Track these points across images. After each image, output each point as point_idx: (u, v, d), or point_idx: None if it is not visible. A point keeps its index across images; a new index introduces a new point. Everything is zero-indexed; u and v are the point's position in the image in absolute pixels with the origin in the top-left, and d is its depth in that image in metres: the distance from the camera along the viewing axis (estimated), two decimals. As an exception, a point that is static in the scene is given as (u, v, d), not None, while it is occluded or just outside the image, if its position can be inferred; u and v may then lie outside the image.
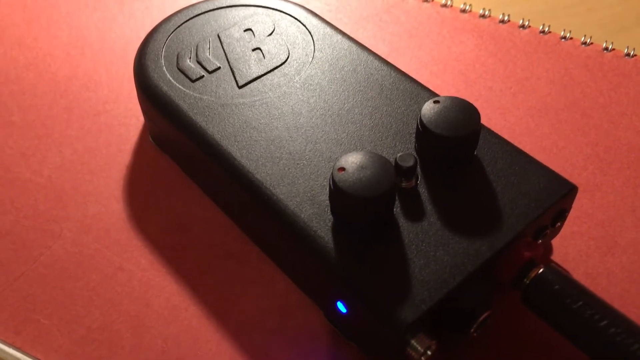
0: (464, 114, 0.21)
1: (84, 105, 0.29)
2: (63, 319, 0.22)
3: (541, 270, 0.20)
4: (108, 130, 0.28)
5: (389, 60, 0.26)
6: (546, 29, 0.33)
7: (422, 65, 0.31)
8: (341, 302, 0.20)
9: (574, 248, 0.24)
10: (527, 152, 0.22)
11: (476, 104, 0.29)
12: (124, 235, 0.24)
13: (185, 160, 0.26)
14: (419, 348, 0.18)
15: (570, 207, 0.22)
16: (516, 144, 0.27)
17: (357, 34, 0.33)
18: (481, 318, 0.19)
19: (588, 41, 0.32)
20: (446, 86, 0.30)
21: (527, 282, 0.20)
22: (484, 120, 0.22)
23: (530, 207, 0.20)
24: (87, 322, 0.21)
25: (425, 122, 0.21)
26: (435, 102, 0.22)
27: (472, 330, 0.19)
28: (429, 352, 0.18)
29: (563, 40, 0.32)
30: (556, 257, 0.23)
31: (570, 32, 0.32)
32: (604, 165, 0.26)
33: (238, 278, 0.23)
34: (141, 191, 0.26)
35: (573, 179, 0.22)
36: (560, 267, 0.23)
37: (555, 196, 0.21)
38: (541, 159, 0.22)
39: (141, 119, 0.28)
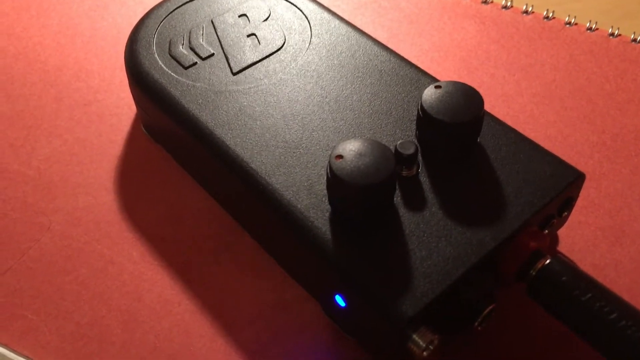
0: (466, 99, 0.20)
1: (74, 95, 0.28)
2: (51, 314, 0.21)
3: (548, 261, 0.19)
4: (99, 121, 0.27)
5: (388, 47, 0.25)
6: (550, 15, 0.32)
7: (423, 52, 0.30)
8: (340, 295, 0.19)
9: (581, 238, 0.23)
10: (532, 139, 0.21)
11: (479, 91, 0.28)
12: (115, 228, 0.23)
13: (178, 150, 0.25)
14: (421, 343, 0.17)
15: (577, 196, 0.21)
16: (520, 132, 0.26)
17: (356, 21, 0.32)
18: (485, 311, 0.18)
19: (593, 27, 0.31)
20: (447, 73, 0.29)
21: (533, 273, 0.19)
22: (487, 108, 0.21)
23: (536, 195, 0.20)
24: (76, 318, 0.21)
25: (426, 107, 0.20)
26: (436, 87, 0.21)
27: (476, 324, 0.18)
28: (431, 347, 0.17)
29: (568, 26, 0.31)
30: (562, 247, 0.23)
31: (575, 17, 0.31)
32: (610, 153, 0.26)
33: (233, 271, 0.22)
34: (133, 182, 0.25)
35: (579, 167, 0.21)
36: (567, 258, 0.22)
37: (562, 184, 0.20)
38: (546, 147, 0.21)
39: (133, 108, 0.27)
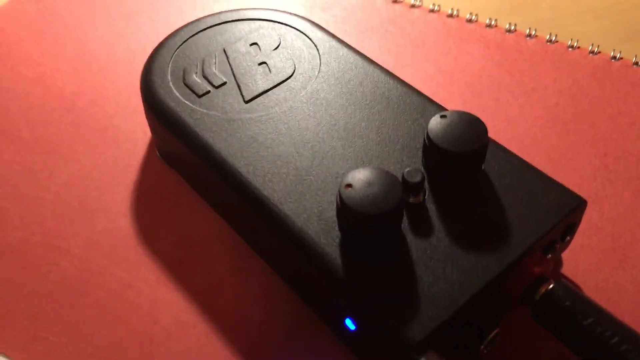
0: (471, 129, 0.21)
1: (91, 120, 0.29)
2: (72, 337, 0.22)
3: (551, 285, 0.19)
4: (115, 146, 0.28)
5: (394, 71, 0.26)
6: (553, 38, 0.32)
7: (428, 77, 0.31)
8: (350, 319, 0.20)
9: (584, 261, 0.23)
10: (535, 164, 0.22)
11: (483, 116, 0.29)
12: (132, 252, 0.24)
13: (192, 176, 0.26)
14: (429, 366, 0.18)
15: (579, 221, 0.22)
16: (524, 155, 0.27)
17: (363, 45, 0.33)
18: (491, 335, 0.19)
19: (596, 50, 0.32)
20: (453, 97, 0.30)
21: (537, 298, 0.19)
22: (491, 132, 0.22)
23: (539, 221, 0.20)
24: (95, 340, 0.21)
25: (432, 137, 0.21)
26: (442, 116, 0.21)
27: (482, 347, 0.19)
28: (438, 371, 0.18)
29: (570, 49, 0.32)
30: (566, 270, 0.23)
31: (577, 40, 0.32)
32: (612, 176, 0.26)
33: (246, 294, 0.23)
34: (148, 207, 0.26)
35: (581, 191, 0.22)
36: (570, 282, 0.23)
37: (565, 210, 0.21)
38: (549, 171, 0.22)
39: (148, 133, 0.28)
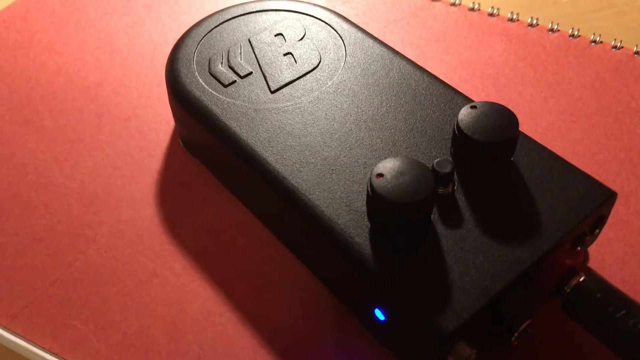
0: (501, 120, 0.21)
1: (115, 110, 0.29)
2: (99, 324, 0.22)
3: (582, 278, 0.19)
4: (139, 135, 0.28)
5: (417, 64, 0.26)
6: (575, 33, 0.32)
7: (451, 70, 0.31)
8: (379, 309, 0.20)
9: (611, 255, 0.23)
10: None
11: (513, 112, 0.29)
12: (157, 241, 0.24)
13: (217, 165, 0.26)
14: (460, 357, 0.18)
15: (609, 214, 0.22)
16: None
17: (385, 38, 0.32)
18: (522, 327, 0.19)
19: (618, 45, 0.32)
20: (476, 90, 0.30)
21: (568, 290, 0.19)
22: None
23: (570, 213, 0.20)
24: (123, 328, 0.21)
25: (462, 127, 0.21)
26: (472, 107, 0.21)
27: (512, 339, 0.19)
28: (470, 361, 0.18)
29: (593, 44, 0.32)
30: (593, 264, 0.23)
31: (600, 35, 0.32)
32: (638, 170, 0.26)
33: (272, 284, 0.23)
34: (173, 196, 0.26)
35: (607, 185, 0.22)
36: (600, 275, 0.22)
37: (595, 203, 0.21)
38: (574, 164, 0.22)
39: (171, 123, 0.28)
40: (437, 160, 0.21)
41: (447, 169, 0.20)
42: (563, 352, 0.21)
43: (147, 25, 0.34)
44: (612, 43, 0.32)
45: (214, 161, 0.26)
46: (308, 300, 0.22)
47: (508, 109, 0.21)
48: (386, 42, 0.28)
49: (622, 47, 0.32)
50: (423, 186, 0.19)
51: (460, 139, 0.21)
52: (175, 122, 0.27)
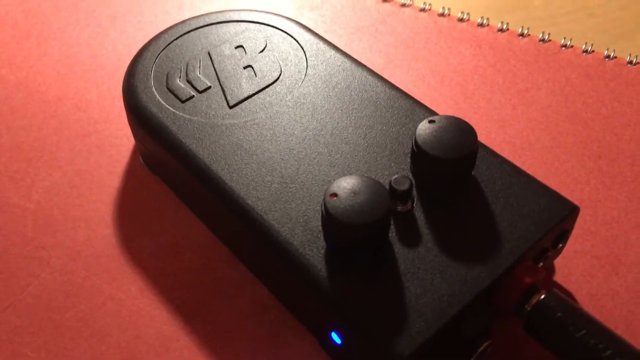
0: (460, 134, 0.20)
1: (74, 126, 0.28)
2: (51, 352, 0.21)
3: (543, 296, 0.19)
4: (98, 152, 0.27)
5: (385, 72, 0.25)
6: (546, 37, 0.32)
7: (419, 77, 0.30)
8: (335, 332, 0.19)
9: (577, 268, 0.23)
10: (528, 167, 0.22)
11: (475, 117, 0.28)
12: (114, 262, 0.23)
13: (176, 184, 0.25)
14: (417, 381, 0.18)
15: (572, 228, 0.21)
16: (516, 157, 0.26)
17: (353, 46, 0.32)
18: (481, 348, 0.19)
19: (589, 49, 0.31)
20: (444, 99, 0.29)
21: (529, 309, 0.19)
22: (482, 134, 0.21)
23: (530, 229, 0.20)
24: (75, 355, 0.21)
25: (420, 143, 0.20)
26: (430, 121, 0.21)
27: (471, 360, 0.19)
28: (427, 386, 0.18)
29: (563, 48, 0.31)
30: (558, 277, 0.23)
31: (570, 39, 0.32)
32: (606, 179, 0.26)
33: (231, 305, 0.22)
34: (132, 215, 0.25)
35: (575, 194, 0.21)
36: (563, 290, 0.22)
37: (557, 217, 0.20)
38: (542, 173, 0.21)
39: (132, 139, 0.27)
40: (394, 177, 0.20)
41: (405, 186, 0.20)
42: (525, 372, 0.20)
43: (111, 36, 0.33)
44: (583, 47, 0.31)
45: (173, 179, 0.25)
46: (268, 323, 0.22)
47: (467, 123, 0.21)
48: (354, 49, 0.27)
49: (592, 51, 0.31)
50: (378, 206, 0.19)
51: (418, 154, 0.21)
52: (135, 139, 0.27)
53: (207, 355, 0.21)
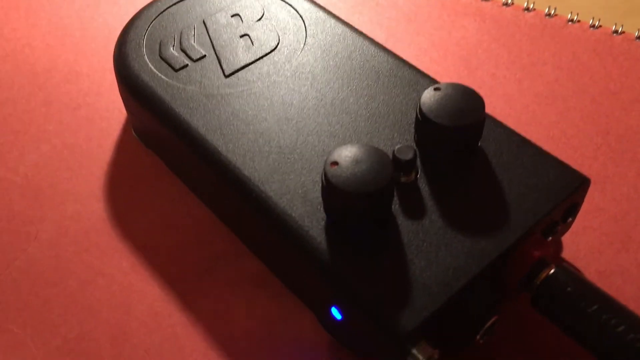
0: (466, 102, 0.20)
1: (64, 99, 0.27)
2: (38, 328, 0.20)
3: (552, 270, 0.18)
4: (89, 125, 0.26)
5: (386, 46, 0.24)
6: (552, 12, 0.31)
7: (422, 52, 0.29)
8: (336, 307, 0.18)
9: (586, 244, 0.22)
10: (534, 142, 0.21)
11: (479, 92, 0.27)
12: (105, 237, 0.22)
13: (169, 156, 0.24)
14: (421, 357, 0.17)
15: (582, 201, 0.21)
16: (522, 133, 0.25)
17: (353, 20, 0.31)
18: (488, 324, 0.18)
19: (597, 24, 0.30)
20: (447, 73, 0.28)
21: (537, 283, 0.18)
22: (487, 109, 0.20)
23: (539, 202, 0.19)
24: (63, 332, 0.20)
25: (425, 111, 0.19)
26: (435, 89, 0.20)
27: (478, 337, 0.18)
28: (431, 362, 0.17)
29: (570, 23, 0.30)
30: (566, 254, 0.22)
31: (577, 14, 0.31)
32: (615, 155, 0.25)
33: (226, 282, 0.21)
34: (123, 189, 0.24)
35: (583, 170, 0.20)
36: (572, 266, 0.21)
37: (567, 190, 0.19)
38: (548, 149, 0.21)
39: (124, 112, 0.26)
40: (398, 146, 0.19)
41: (409, 155, 0.19)
42: (533, 350, 0.19)
43: (102, 7, 0.32)
44: (590, 22, 0.30)
45: (166, 151, 0.24)
46: (264, 299, 0.21)
47: (474, 91, 0.20)
48: (355, 23, 0.26)
49: (600, 26, 0.30)
50: (381, 175, 0.18)
51: (422, 123, 0.20)
52: (126, 110, 0.26)
53: (201, 332, 0.20)
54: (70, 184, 0.24)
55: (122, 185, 0.24)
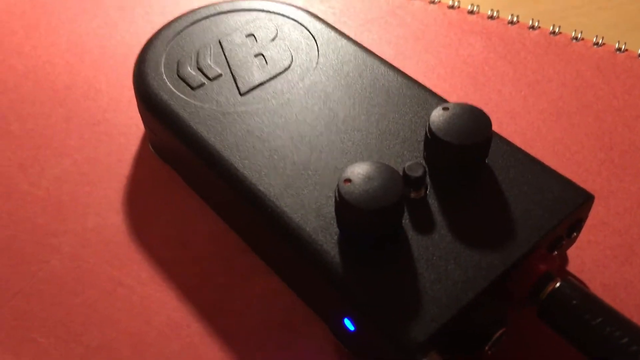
0: (474, 121, 0.20)
1: (84, 114, 0.28)
2: (61, 337, 0.21)
3: (558, 284, 0.19)
4: (108, 140, 0.27)
5: (395, 64, 0.25)
6: (556, 30, 0.32)
7: (430, 69, 0.30)
8: (348, 319, 0.19)
9: (590, 258, 0.23)
10: (539, 158, 0.21)
11: (486, 108, 0.28)
12: (124, 249, 0.23)
13: (186, 171, 0.25)
14: (431, 368, 0.17)
15: (586, 217, 0.21)
16: (527, 149, 0.26)
17: (362, 37, 0.32)
18: (496, 335, 0.18)
19: (600, 42, 0.31)
20: (454, 90, 0.29)
21: (543, 297, 0.19)
22: (494, 125, 0.21)
23: (545, 217, 0.20)
24: (85, 341, 0.21)
25: (434, 129, 0.20)
26: (444, 108, 0.21)
27: (486, 348, 0.18)
28: (441, 372, 0.17)
29: (574, 41, 0.31)
30: (572, 267, 0.23)
31: (581, 32, 0.31)
32: (618, 170, 0.26)
33: (242, 292, 0.22)
34: (141, 203, 0.25)
35: (587, 186, 0.21)
36: (577, 279, 0.22)
37: (572, 206, 0.20)
38: (553, 165, 0.21)
39: (141, 127, 0.27)
40: (408, 163, 0.20)
41: (419, 172, 0.20)
42: (539, 360, 0.20)
43: (120, 27, 0.33)
44: (594, 40, 0.31)
45: (183, 166, 0.25)
46: (279, 310, 0.21)
47: (481, 110, 0.21)
48: (364, 41, 0.27)
49: (603, 44, 0.31)
50: (392, 191, 0.18)
51: (431, 141, 0.20)
52: (144, 126, 0.27)
53: (217, 341, 0.21)
54: (90, 198, 0.25)
55: (140, 199, 0.25)
